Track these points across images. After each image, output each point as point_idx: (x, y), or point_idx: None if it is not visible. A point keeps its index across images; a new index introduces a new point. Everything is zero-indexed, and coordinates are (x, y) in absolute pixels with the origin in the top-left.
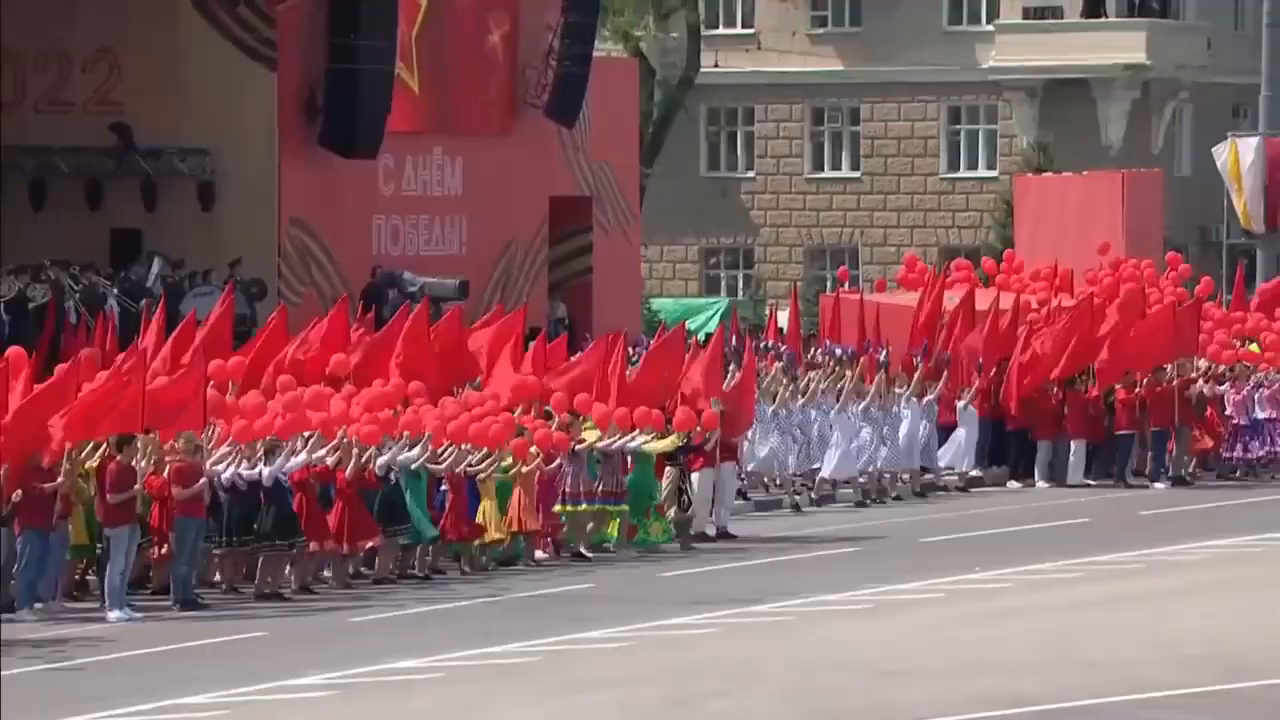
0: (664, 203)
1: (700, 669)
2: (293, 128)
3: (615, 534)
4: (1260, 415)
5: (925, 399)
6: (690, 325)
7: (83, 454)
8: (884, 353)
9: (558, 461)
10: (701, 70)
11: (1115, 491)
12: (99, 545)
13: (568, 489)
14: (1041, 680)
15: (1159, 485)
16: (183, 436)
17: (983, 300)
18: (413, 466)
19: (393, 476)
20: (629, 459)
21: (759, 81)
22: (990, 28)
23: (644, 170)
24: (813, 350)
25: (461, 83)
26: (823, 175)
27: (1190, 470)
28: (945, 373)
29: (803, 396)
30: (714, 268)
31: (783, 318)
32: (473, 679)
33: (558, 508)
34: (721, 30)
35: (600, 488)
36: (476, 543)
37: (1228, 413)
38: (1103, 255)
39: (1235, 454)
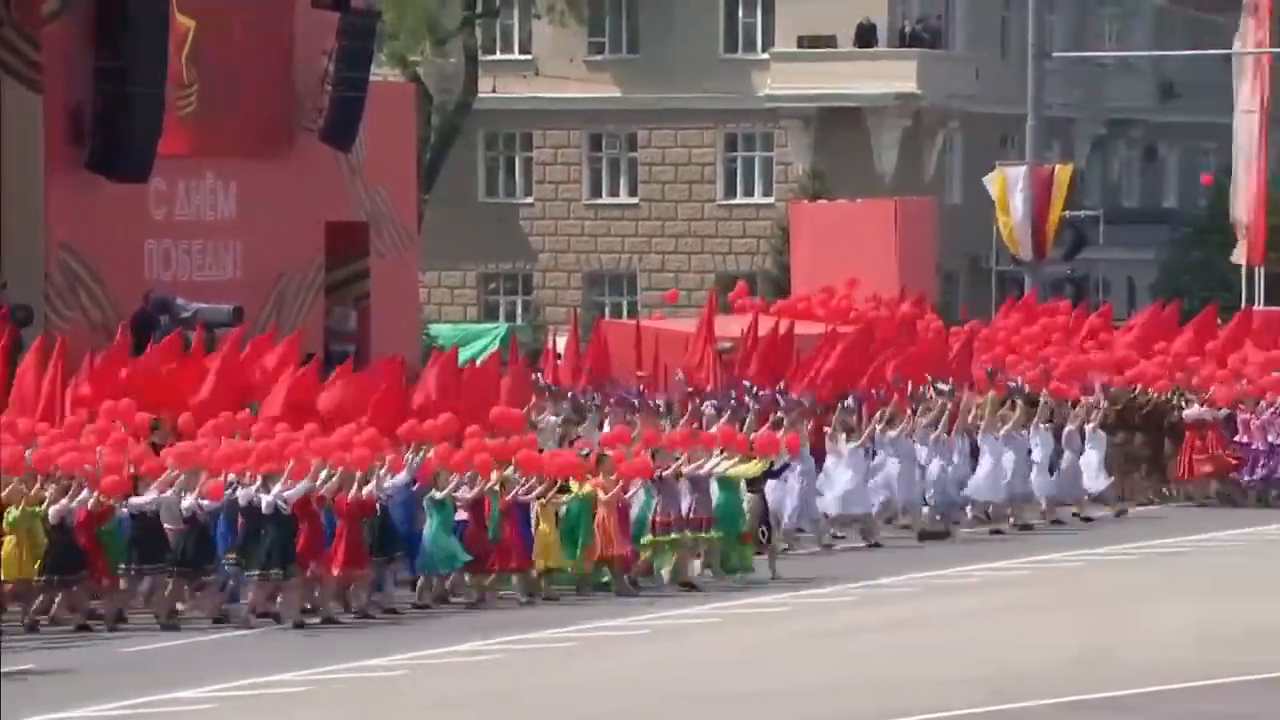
0: (442, 228)
1: (483, 696)
2: (60, 151)
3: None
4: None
5: (1067, 429)
6: (467, 351)
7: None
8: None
9: (635, 489)
10: (479, 96)
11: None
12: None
13: (657, 517)
14: (833, 703)
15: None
16: None
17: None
18: (438, 496)
19: (379, 505)
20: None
21: (537, 107)
22: (766, 56)
23: (422, 195)
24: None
25: (234, 106)
26: (601, 201)
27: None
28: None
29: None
30: (493, 293)
31: (560, 343)
32: (246, 709)
33: (647, 538)
34: (499, 56)
35: (690, 515)
36: (533, 571)
37: (1241, 438)
38: (851, 289)
39: (1254, 477)
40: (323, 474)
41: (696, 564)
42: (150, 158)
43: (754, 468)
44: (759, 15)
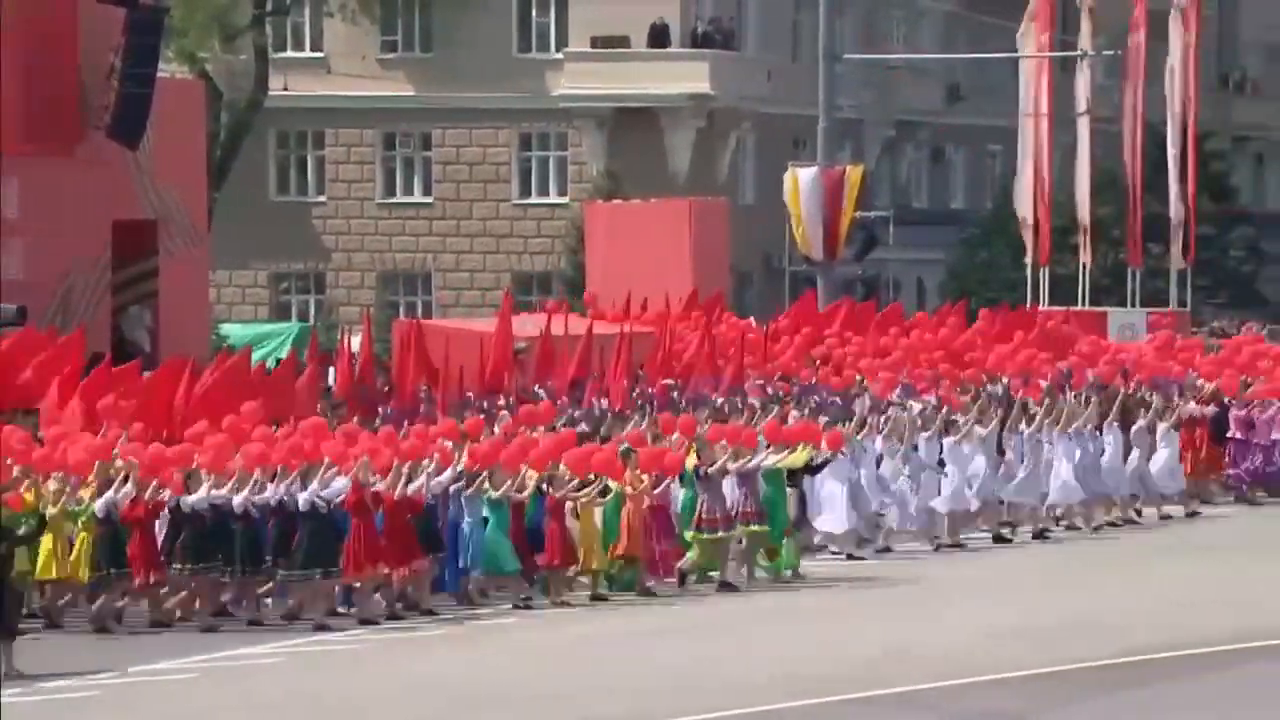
0: (233, 227)
1: (275, 699)
2: None
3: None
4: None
5: (1135, 426)
6: (260, 352)
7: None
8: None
9: (665, 485)
10: (270, 94)
11: None
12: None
13: (704, 514)
14: (622, 703)
15: None
16: None
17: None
18: (494, 496)
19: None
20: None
21: (329, 105)
22: (559, 56)
23: (212, 194)
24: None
25: (15, 102)
26: (395, 200)
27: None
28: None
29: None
30: (285, 293)
31: (355, 343)
32: (34, 713)
33: (691, 534)
34: (290, 53)
35: (739, 510)
36: (571, 571)
37: (1234, 433)
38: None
39: (1244, 470)
40: (361, 472)
41: (733, 565)
42: None
43: (800, 457)
44: (552, 15)
